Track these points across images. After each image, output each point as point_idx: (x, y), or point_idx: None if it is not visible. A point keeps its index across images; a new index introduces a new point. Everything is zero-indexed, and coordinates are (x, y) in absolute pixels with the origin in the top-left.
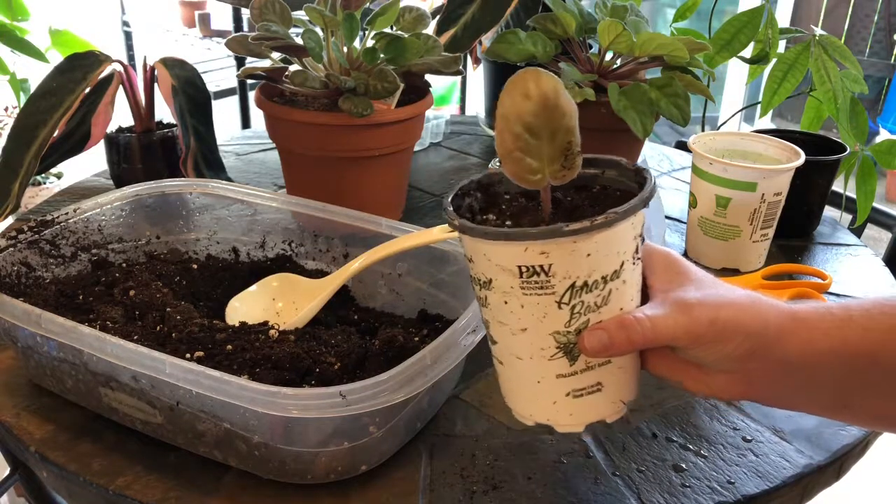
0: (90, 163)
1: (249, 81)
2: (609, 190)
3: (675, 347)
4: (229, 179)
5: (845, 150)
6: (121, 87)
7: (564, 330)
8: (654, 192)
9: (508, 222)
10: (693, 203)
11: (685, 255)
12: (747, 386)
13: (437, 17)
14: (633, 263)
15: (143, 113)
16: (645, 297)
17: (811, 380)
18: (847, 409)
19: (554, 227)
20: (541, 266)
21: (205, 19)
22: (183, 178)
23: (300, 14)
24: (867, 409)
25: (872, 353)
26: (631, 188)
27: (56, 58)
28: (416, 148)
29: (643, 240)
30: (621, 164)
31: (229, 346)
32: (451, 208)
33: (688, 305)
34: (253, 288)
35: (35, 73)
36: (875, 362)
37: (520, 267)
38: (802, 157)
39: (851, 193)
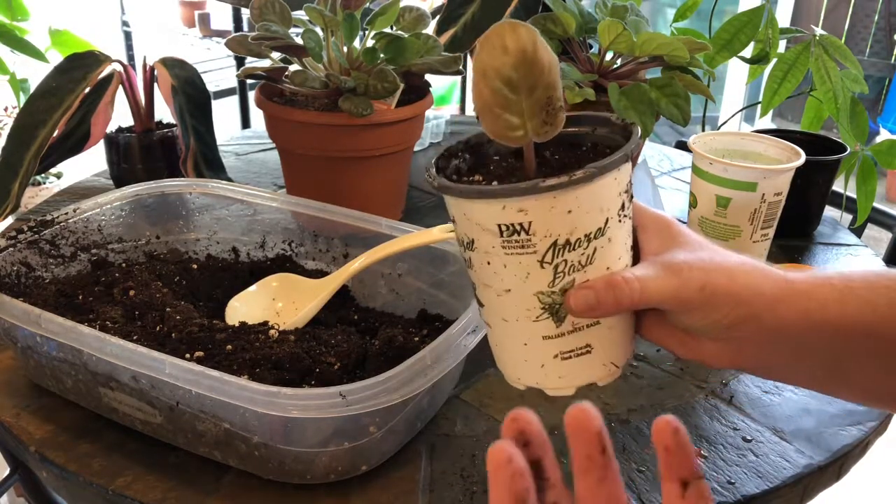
0: (90, 163)
1: (249, 81)
2: (599, 147)
3: (664, 311)
4: (229, 179)
5: (845, 150)
6: (121, 87)
7: (548, 290)
8: (639, 146)
9: (495, 182)
10: (693, 203)
11: None
12: (736, 354)
13: (437, 17)
14: (620, 221)
15: (143, 113)
16: (637, 260)
17: (803, 350)
18: (837, 381)
19: (530, 184)
20: (520, 224)
21: (205, 19)
22: (183, 178)
23: (300, 14)
24: (859, 383)
25: (872, 326)
26: (621, 144)
27: (56, 58)
28: (416, 148)
29: (631, 197)
30: (611, 121)
31: (229, 346)
32: (434, 169)
33: (678, 268)
34: (253, 288)
35: (35, 73)
36: (874, 335)
37: (499, 226)
38: (802, 157)
39: (852, 193)
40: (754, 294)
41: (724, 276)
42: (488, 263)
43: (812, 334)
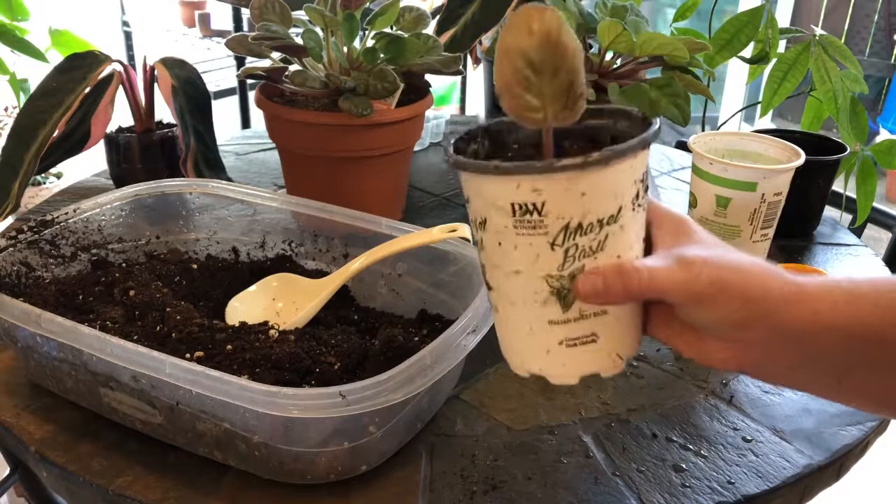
0: (90, 163)
1: (249, 81)
2: (619, 141)
3: (672, 305)
4: (229, 179)
5: (845, 150)
6: (121, 87)
7: (557, 274)
8: (656, 134)
9: None
10: (693, 203)
11: None
12: (741, 355)
13: (437, 16)
14: (634, 210)
15: (143, 113)
16: (649, 255)
17: (810, 354)
18: (843, 387)
19: (546, 163)
20: (533, 204)
21: (205, 19)
22: (183, 178)
23: (300, 14)
24: (864, 389)
25: (880, 331)
26: None
27: (56, 58)
28: (416, 148)
29: (647, 188)
30: (632, 114)
31: (229, 346)
32: (452, 148)
33: (689, 261)
34: (253, 288)
35: (35, 73)
36: (883, 340)
37: (512, 205)
38: (802, 157)
39: (851, 193)
40: (764, 293)
41: (734, 274)
42: (499, 244)
43: (821, 338)
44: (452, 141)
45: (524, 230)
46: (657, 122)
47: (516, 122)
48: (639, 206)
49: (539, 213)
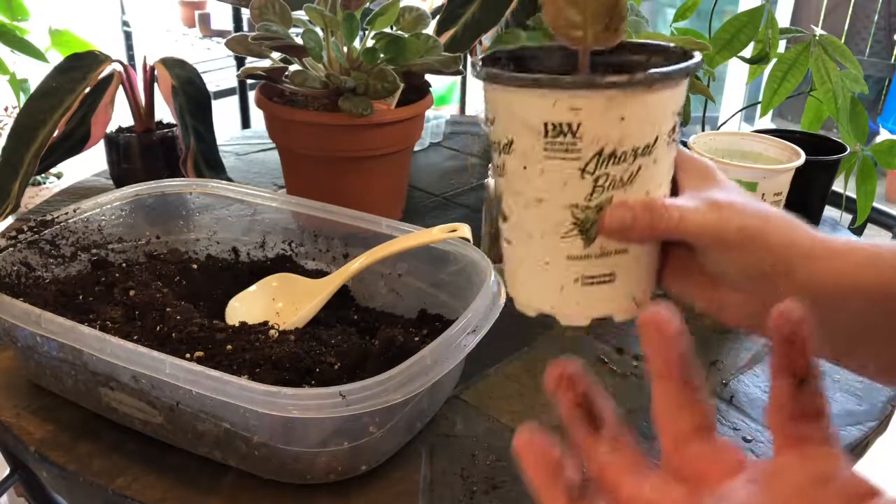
0: (90, 163)
1: (249, 81)
2: None
3: (692, 252)
4: (229, 179)
5: (845, 150)
6: (121, 87)
7: (584, 204)
8: (698, 66)
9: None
10: None
11: None
12: (758, 310)
13: (437, 16)
14: (668, 144)
15: (143, 113)
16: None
17: (828, 314)
18: (856, 353)
19: (589, 78)
20: (569, 124)
21: (205, 19)
22: (183, 178)
23: (300, 14)
24: (878, 355)
25: None
26: None
27: (56, 58)
28: (416, 148)
29: (680, 123)
30: (669, 49)
31: (229, 346)
32: (481, 63)
33: (719, 205)
34: (253, 288)
35: (35, 73)
36: None
37: (546, 124)
38: (802, 157)
39: (851, 193)
40: (790, 245)
41: (765, 223)
42: (524, 168)
43: (841, 298)
44: (480, 59)
45: (555, 153)
46: (699, 56)
47: (555, 36)
48: (673, 140)
49: (573, 135)
